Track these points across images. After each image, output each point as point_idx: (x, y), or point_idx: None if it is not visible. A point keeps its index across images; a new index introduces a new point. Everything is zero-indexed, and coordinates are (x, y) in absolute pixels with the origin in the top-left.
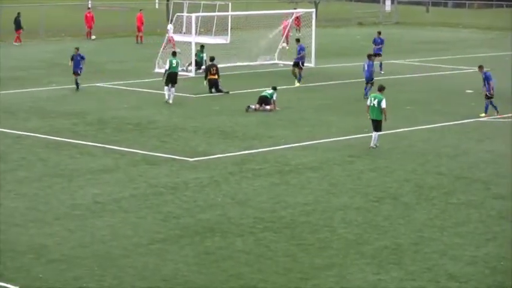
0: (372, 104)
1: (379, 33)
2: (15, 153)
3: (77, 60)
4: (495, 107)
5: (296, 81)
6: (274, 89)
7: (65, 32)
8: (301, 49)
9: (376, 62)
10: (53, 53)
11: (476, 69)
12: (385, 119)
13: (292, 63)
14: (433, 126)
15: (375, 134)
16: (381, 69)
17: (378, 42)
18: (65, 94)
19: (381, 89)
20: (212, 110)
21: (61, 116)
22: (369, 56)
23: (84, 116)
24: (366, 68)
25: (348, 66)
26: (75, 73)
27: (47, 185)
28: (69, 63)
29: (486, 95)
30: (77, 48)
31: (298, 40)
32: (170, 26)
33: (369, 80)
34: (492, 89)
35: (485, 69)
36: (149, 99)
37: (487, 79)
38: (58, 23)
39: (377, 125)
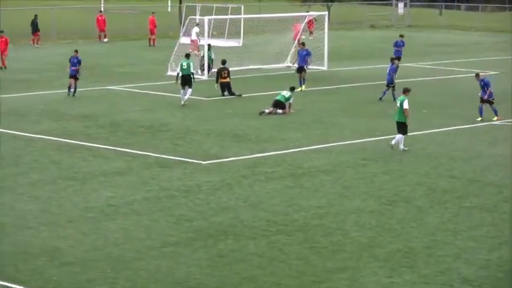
0: (397, 106)
1: (402, 36)
2: (27, 155)
3: (74, 62)
4: (481, 112)
5: (302, 86)
6: (292, 89)
7: (77, 34)
8: (308, 54)
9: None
10: (65, 56)
11: (488, 72)
12: (408, 121)
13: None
14: (445, 130)
15: (398, 136)
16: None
17: (400, 45)
18: (77, 97)
19: (405, 91)
20: (225, 112)
21: (73, 119)
22: (391, 59)
23: (96, 119)
24: (387, 71)
25: (361, 69)
26: (73, 77)
27: (60, 187)
28: (67, 69)
29: (482, 98)
30: (76, 51)
31: (303, 44)
32: (196, 29)
33: (388, 83)
34: (491, 95)
35: (482, 76)
36: (162, 102)
37: (486, 85)
38: (70, 26)
39: (401, 128)
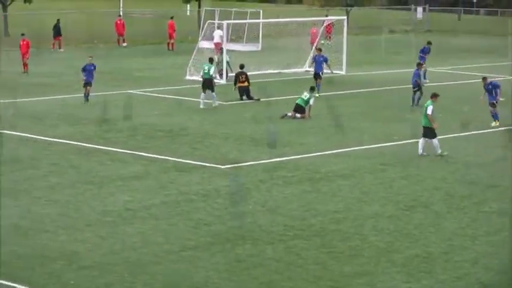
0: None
1: (430, 43)
2: (46, 159)
3: (90, 69)
4: (496, 116)
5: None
6: (312, 89)
7: (96, 39)
8: (324, 60)
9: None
10: (84, 60)
11: (509, 77)
12: (434, 125)
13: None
14: (463, 134)
15: (434, 143)
16: (425, 77)
17: (427, 51)
18: (95, 101)
19: (432, 96)
20: (243, 117)
21: (91, 123)
22: (418, 65)
23: (114, 123)
24: (412, 75)
25: (380, 74)
26: (88, 84)
27: (78, 191)
28: (82, 76)
29: (492, 103)
30: (91, 57)
31: (320, 50)
32: (220, 32)
33: (413, 88)
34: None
35: (489, 80)
36: (180, 106)
37: (494, 88)
38: (90, 30)
39: (426, 132)
